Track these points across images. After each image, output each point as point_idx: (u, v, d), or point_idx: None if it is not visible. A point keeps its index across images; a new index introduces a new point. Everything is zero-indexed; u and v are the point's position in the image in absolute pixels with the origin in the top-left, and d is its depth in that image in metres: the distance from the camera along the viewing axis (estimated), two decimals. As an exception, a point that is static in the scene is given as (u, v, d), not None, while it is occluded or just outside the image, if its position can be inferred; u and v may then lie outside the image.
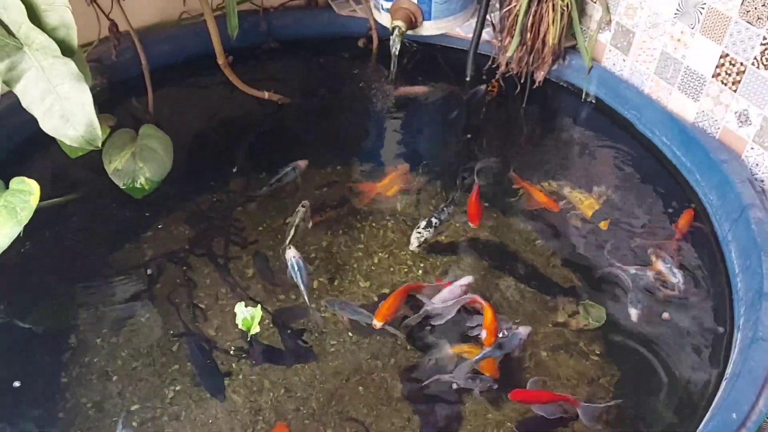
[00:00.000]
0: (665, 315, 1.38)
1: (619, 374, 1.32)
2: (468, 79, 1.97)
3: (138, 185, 1.55)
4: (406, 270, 1.52)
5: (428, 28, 1.94)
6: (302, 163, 1.69)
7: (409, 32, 1.92)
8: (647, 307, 1.40)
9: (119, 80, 1.82)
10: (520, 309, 1.44)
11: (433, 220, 1.57)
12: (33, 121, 1.27)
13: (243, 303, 1.32)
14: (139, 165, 1.55)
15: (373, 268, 1.53)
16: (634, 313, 1.38)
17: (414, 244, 1.54)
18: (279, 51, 2.06)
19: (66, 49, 1.27)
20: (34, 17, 1.24)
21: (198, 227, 1.60)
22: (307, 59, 2.08)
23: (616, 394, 1.28)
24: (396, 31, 1.88)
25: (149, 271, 1.50)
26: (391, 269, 1.53)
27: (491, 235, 1.59)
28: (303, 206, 1.56)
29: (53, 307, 1.49)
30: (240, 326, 1.32)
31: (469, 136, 1.88)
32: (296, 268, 1.42)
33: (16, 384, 1.32)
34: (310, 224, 1.57)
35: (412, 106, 1.95)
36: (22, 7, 1.21)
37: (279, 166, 1.68)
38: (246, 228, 1.60)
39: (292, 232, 1.52)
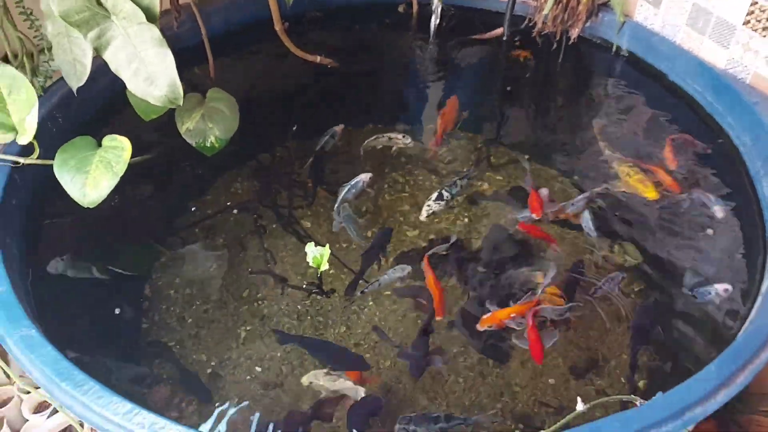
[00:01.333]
0: (709, 231, 1.52)
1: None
2: (505, 38, 2.08)
3: (208, 144, 1.68)
4: (452, 218, 1.65)
5: (466, -10, 2.04)
6: (339, 129, 1.80)
7: (448, -5, 2.03)
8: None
9: (181, 49, 1.93)
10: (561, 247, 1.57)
11: (444, 193, 1.66)
12: (106, 89, 1.41)
13: (313, 243, 1.46)
14: (209, 125, 1.68)
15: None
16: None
17: (423, 215, 1.64)
18: (322, 19, 2.17)
19: (150, 16, 1.40)
20: (122, -13, 1.37)
21: (263, 181, 1.75)
22: (350, 26, 2.19)
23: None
24: (439, -7, 1.99)
25: (226, 217, 1.65)
26: (436, 219, 1.65)
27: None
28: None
29: (132, 256, 1.65)
30: (311, 264, 1.45)
31: (508, 89, 2.00)
32: (349, 223, 1.59)
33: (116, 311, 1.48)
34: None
35: (451, 66, 2.07)
36: (112, -22, 1.34)
37: (331, 125, 1.82)
38: (306, 181, 1.74)
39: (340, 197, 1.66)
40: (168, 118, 1.67)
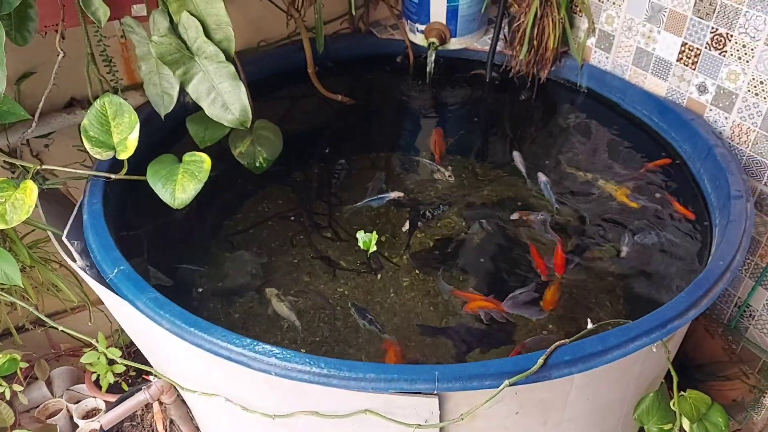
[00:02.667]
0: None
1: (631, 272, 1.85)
2: (487, 80, 2.52)
3: (257, 164, 2.02)
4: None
5: (454, 44, 2.49)
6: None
7: (439, 48, 2.47)
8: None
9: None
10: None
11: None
12: (165, 126, 1.75)
13: (362, 231, 1.80)
14: (258, 149, 2.02)
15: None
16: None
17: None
18: (334, 69, 2.58)
19: (227, 57, 1.76)
20: (206, 34, 1.73)
21: (304, 193, 2.10)
22: (357, 74, 2.60)
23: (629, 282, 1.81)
24: (431, 47, 2.42)
25: (290, 218, 2.00)
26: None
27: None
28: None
29: (191, 258, 1.95)
30: (361, 247, 1.79)
31: (475, 119, 2.44)
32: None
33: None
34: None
35: (442, 106, 2.50)
36: (200, 27, 1.70)
37: (348, 151, 2.21)
38: (338, 192, 2.10)
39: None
40: (217, 147, 2.00)
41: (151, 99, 1.80)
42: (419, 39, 2.50)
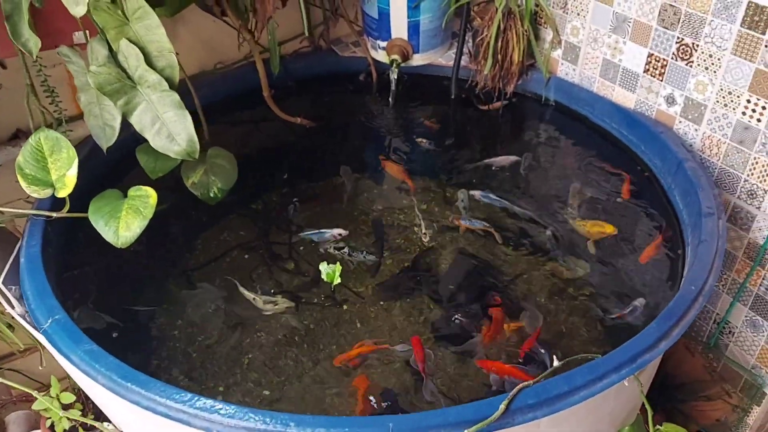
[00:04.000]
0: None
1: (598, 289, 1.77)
2: (453, 97, 2.45)
3: (212, 194, 1.92)
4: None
5: (417, 60, 2.41)
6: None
7: (402, 64, 2.39)
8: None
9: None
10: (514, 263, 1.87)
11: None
12: (112, 157, 1.66)
13: (325, 262, 1.71)
14: (212, 178, 1.93)
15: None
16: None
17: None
18: (294, 89, 2.49)
19: (171, 84, 1.67)
20: (147, 62, 1.64)
21: (262, 223, 2.01)
22: (319, 93, 2.52)
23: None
24: (394, 64, 2.34)
25: (249, 251, 1.91)
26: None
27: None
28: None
29: (145, 297, 1.85)
30: (325, 279, 1.70)
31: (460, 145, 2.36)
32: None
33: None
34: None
35: (407, 124, 2.42)
36: (141, 55, 1.61)
37: (314, 173, 2.12)
38: (298, 220, 2.01)
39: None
40: (170, 176, 1.91)
41: (92, 131, 1.71)
42: (382, 56, 2.42)
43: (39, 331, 1.40)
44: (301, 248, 1.92)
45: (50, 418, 1.89)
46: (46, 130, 1.59)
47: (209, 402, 1.21)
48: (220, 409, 1.19)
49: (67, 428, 1.90)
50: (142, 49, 1.62)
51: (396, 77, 2.36)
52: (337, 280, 1.69)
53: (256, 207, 2.05)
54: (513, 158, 2.11)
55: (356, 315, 1.73)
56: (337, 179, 2.14)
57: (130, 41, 1.60)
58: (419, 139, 2.34)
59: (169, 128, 1.67)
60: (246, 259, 1.91)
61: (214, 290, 1.84)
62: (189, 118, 1.67)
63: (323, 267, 1.70)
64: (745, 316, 2.05)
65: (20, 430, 2.29)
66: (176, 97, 1.66)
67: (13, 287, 1.57)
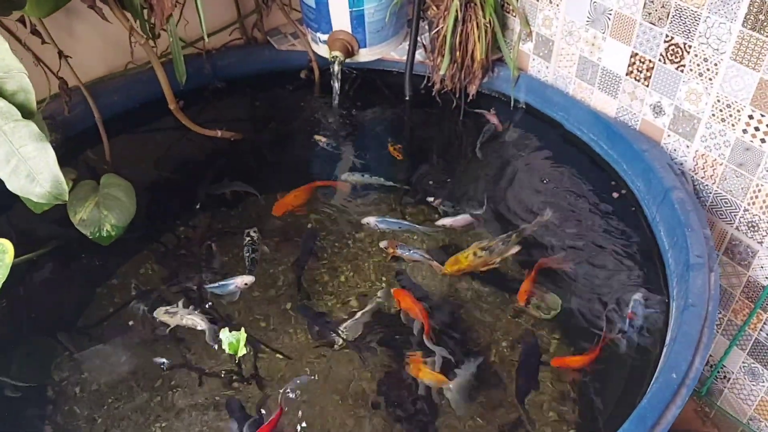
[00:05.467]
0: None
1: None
2: (407, 98, 2.10)
3: (104, 233, 1.61)
4: (369, 285, 1.63)
5: (364, 55, 2.06)
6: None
7: (348, 60, 2.04)
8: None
9: (74, 134, 1.87)
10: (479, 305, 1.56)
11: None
12: None
13: (227, 328, 1.40)
14: (104, 213, 1.61)
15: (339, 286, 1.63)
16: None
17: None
18: (225, 90, 2.14)
19: (26, 112, 1.33)
20: (-8, 85, 1.31)
21: (169, 265, 1.68)
22: (254, 95, 2.17)
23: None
24: (335, 61, 1.99)
25: (133, 307, 1.58)
26: (357, 285, 1.63)
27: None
28: (250, 235, 1.65)
29: (31, 360, 1.54)
30: (227, 351, 1.39)
31: (417, 154, 2.01)
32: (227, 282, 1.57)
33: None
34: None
35: (356, 129, 2.07)
36: (-20, 77, 1.28)
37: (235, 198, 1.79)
38: (215, 260, 1.68)
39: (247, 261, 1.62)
40: (64, 208, 1.59)
41: (-68, 171, 1.38)
42: (324, 50, 2.07)
43: None
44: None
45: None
46: None
47: None
48: None
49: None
50: (-16, 70, 1.28)
51: (339, 76, 2.01)
52: (243, 351, 1.38)
53: (164, 245, 1.71)
54: (469, 219, 1.76)
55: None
56: (261, 206, 1.81)
57: (-33, 60, 1.27)
58: (363, 150, 2.00)
59: (28, 165, 1.34)
60: (153, 307, 1.59)
61: (114, 348, 1.54)
62: (51, 152, 1.34)
63: (224, 335, 1.38)
64: (743, 363, 1.75)
65: None
66: (34, 127, 1.32)
67: None
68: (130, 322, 1.57)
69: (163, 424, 1.40)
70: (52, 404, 1.43)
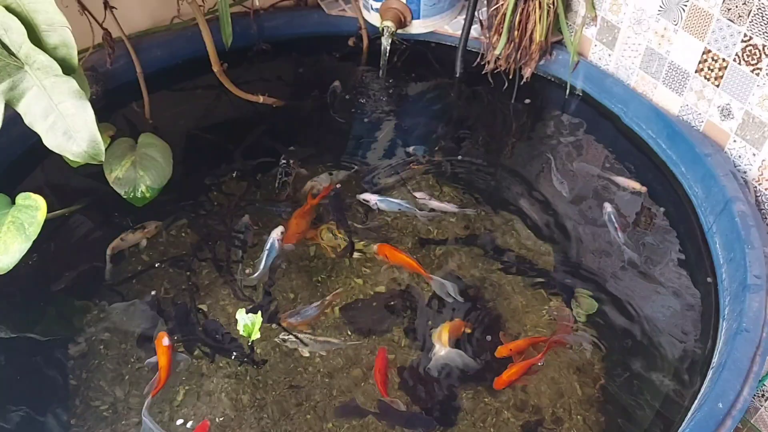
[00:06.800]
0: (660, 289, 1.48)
1: (607, 364, 1.39)
2: (458, 75, 2.01)
3: (139, 194, 1.58)
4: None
5: (417, 27, 1.97)
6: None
7: (399, 31, 1.95)
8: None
9: (115, 87, 1.83)
10: (511, 299, 1.50)
11: None
12: (32, 133, 1.31)
13: (244, 309, 1.36)
14: (140, 173, 1.58)
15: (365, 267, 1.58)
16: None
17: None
18: (270, 52, 2.08)
19: (66, 68, 1.29)
20: (35, 38, 1.27)
21: (200, 232, 1.64)
22: (299, 60, 2.10)
23: (606, 385, 1.35)
24: (386, 32, 1.91)
25: (160, 270, 1.55)
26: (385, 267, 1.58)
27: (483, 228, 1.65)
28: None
29: (60, 316, 1.53)
30: (241, 332, 1.35)
31: (460, 132, 1.93)
32: (268, 247, 1.52)
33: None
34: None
35: (403, 103, 1.99)
36: (23, 28, 1.23)
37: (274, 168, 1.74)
38: (248, 232, 1.64)
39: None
40: (99, 164, 1.56)
41: (-30, 119, 1.35)
42: (376, 19, 1.98)
43: None
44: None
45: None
46: None
47: None
48: None
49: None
50: (27, 22, 1.24)
51: (388, 47, 1.92)
52: (256, 335, 1.34)
53: (197, 210, 1.67)
54: (454, 209, 1.68)
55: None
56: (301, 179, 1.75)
57: (10, 10, 1.22)
58: (408, 128, 1.92)
59: (66, 123, 1.30)
60: (179, 274, 1.56)
61: (139, 308, 1.52)
62: (90, 112, 1.30)
63: (240, 316, 1.34)
64: (786, 383, 1.67)
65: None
66: (74, 84, 1.28)
67: None
68: (157, 284, 1.55)
69: (186, 387, 1.38)
70: (79, 360, 1.43)
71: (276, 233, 1.55)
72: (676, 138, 1.65)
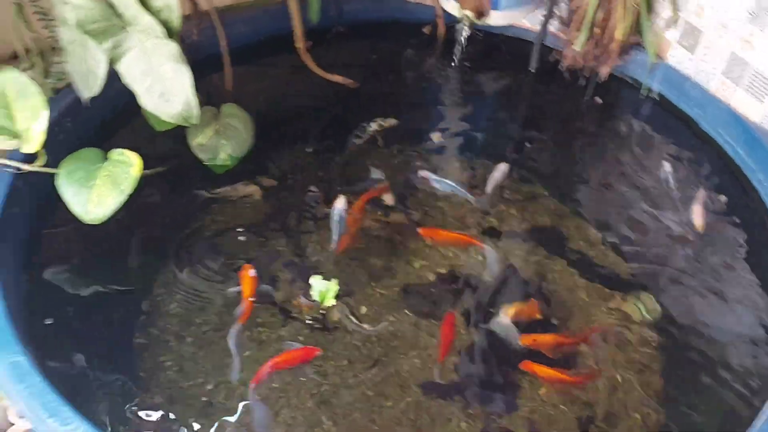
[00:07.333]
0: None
1: (669, 368, 1.39)
2: (533, 70, 2.01)
3: (220, 161, 1.63)
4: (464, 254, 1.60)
5: (496, 18, 1.98)
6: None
7: (476, 21, 1.97)
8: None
9: (200, 59, 1.88)
10: (573, 298, 1.51)
11: None
12: (118, 96, 1.37)
13: (320, 276, 1.39)
14: (222, 141, 1.63)
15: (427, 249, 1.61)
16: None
17: None
18: (345, 35, 2.11)
19: (168, 31, 1.34)
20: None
21: (273, 202, 1.68)
22: (373, 44, 2.13)
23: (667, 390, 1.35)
24: (464, 21, 1.92)
25: (233, 237, 1.60)
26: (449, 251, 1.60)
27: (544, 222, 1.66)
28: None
29: (137, 272, 1.59)
30: (315, 298, 1.39)
31: (531, 126, 1.94)
32: (336, 219, 1.54)
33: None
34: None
35: (476, 94, 2.00)
36: (132, -11, 1.29)
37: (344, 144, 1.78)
38: (318, 207, 1.68)
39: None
40: (182, 129, 1.61)
41: (72, 77, 1.41)
42: (453, 7, 2.00)
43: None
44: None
45: None
46: (14, 72, 1.30)
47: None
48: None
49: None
50: (136, -17, 1.29)
51: (465, 37, 1.94)
52: (330, 302, 1.37)
53: (271, 182, 1.71)
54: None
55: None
56: (373, 156, 1.78)
57: (121, -29, 1.28)
58: (479, 120, 1.93)
59: (164, 85, 1.36)
60: (252, 242, 1.61)
61: (210, 272, 1.57)
62: (188, 75, 1.35)
63: (315, 281, 1.37)
64: None
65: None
66: (174, 47, 1.33)
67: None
68: (229, 251, 1.59)
69: (246, 353, 1.42)
70: (147, 316, 1.48)
71: (341, 203, 1.57)
72: (755, 145, 1.64)
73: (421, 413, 1.32)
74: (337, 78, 1.86)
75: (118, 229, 1.58)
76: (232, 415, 1.31)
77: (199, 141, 1.62)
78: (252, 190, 1.65)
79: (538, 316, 1.43)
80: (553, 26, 1.98)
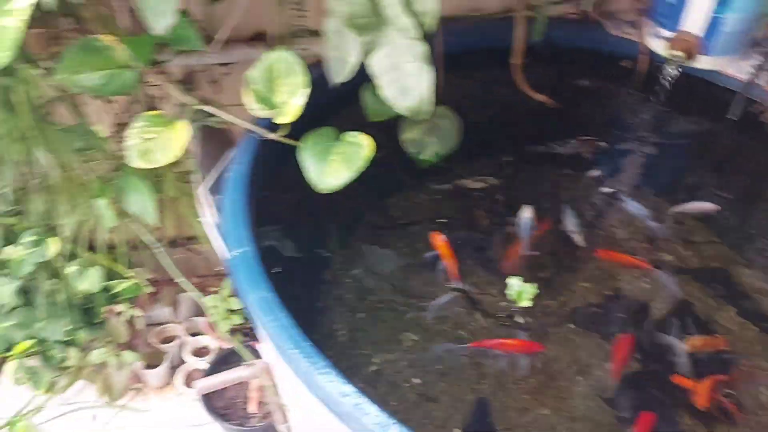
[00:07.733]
0: None
1: None
2: (733, 118, 2.02)
3: (425, 157, 1.76)
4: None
5: (703, 62, 2.00)
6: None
7: (685, 63, 1.99)
8: None
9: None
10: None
11: None
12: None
13: (521, 278, 1.49)
14: (431, 139, 1.76)
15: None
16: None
17: None
18: (543, 59, 2.19)
19: (424, 34, 1.48)
20: (406, 1, 1.47)
21: (463, 201, 1.80)
22: (569, 70, 2.20)
23: None
24: (675, 61, 1.96)
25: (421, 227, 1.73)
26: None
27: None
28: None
29: (334, 242, 1.75)
30: (509, 295, 1.48)
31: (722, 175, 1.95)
32: (523, 226, 1.64)
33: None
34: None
35: (670, 133, 2.04)
36: (401, -8, 1.44)
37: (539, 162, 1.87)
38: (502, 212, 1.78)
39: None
40: (391, 123, 1.75)
41: (328, 62, 1.59)
42: (659, 46, 2.04)
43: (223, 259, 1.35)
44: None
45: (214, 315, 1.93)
46: (283, 53, 1.48)
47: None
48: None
49: (227, 330, 1.92)
50: (403, -13, 1.44)
51: (674, 76, 1.98)
52: (525, 303, 1.46)
53: (461, 184, 1.84)
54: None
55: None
56: (564, 177, 1.86)
57: (395, -24, 1.43)
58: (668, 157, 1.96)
59: (405, 81, 1.50)
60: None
61: (394, 255, 1.71)
62: (431, 76, 1.48)
63: (513, 281, 1.47)
64: None
65: (189, 312, 2.40)
66: (422, 48, 1.47)
67: (218, 196, 1.56)
68: (416, 238, 1.72)
69: (414, 337, 1.52)
70: (327, 285, 1.62)
71: (527, 212, 1.67)
72: None
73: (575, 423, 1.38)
74: (541, 97, 1.95)
75: (327, 203, 1.76)
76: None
77: (409, 135, 1.76)
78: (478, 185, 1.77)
79: (723, 347, 1.44)
80: (763, 80, 1.98)
